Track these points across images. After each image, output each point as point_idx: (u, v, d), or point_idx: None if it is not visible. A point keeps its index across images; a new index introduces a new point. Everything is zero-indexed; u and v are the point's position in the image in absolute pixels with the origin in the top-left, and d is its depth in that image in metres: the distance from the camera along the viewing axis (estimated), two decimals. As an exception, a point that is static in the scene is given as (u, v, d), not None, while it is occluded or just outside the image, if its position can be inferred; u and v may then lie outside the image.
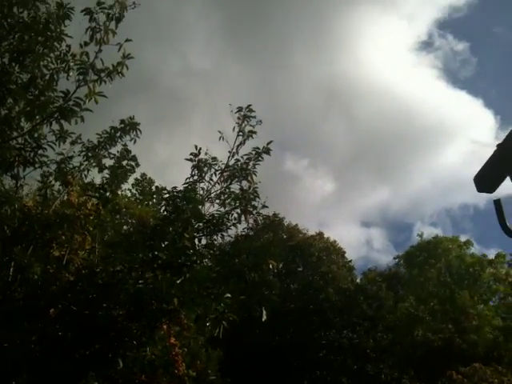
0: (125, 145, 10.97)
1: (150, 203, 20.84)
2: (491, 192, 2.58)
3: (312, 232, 35.25)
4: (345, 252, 36.20)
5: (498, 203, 2.54)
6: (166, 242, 7.77)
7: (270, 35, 68.58)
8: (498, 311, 29.99)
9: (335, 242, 35.54)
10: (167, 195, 8.60)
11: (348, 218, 66.32)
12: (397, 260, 36.87)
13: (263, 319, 8.73)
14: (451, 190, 64.24)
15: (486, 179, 2.55)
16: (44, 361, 8.61)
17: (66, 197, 12.54)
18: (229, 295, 7.84)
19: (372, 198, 67.01)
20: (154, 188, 26.07)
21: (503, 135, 2.52)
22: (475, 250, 33.41)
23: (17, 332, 9.19)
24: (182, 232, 7.54)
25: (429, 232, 37.43)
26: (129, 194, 22.49)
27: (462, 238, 33.15)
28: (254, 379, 29.07)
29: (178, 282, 7.31)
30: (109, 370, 8.56)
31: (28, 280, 10.82)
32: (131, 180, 18.15)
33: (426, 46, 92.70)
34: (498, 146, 2.47)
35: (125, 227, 14.87)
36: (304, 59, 69.04)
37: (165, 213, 8.35)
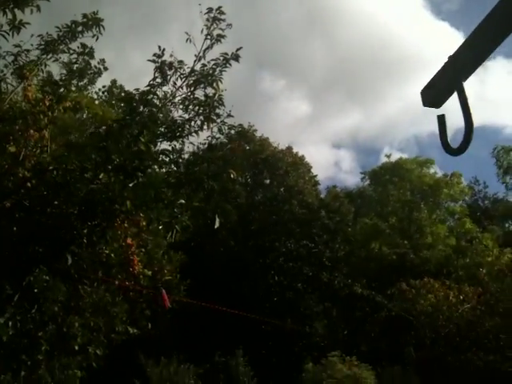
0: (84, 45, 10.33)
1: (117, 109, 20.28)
2: (437, 107, 2.43)
3: (282, 147, 35.24)
4: (311, 167, 36.54)
5: (441, 119, 2.41)
6: (120, 145, 7.53)
7: None
8: (453, 231, 31.26)
9: (303, 157, 35.73)
10: (125, 96, 8.25)
11: (319, 139, 67.05)
12: (362, 177, 37.56)
13: (215, 226, 8.78)
14: (422, 119, 64.42)
15: (433, 93, 2.39)
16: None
17: (21, 92, 12.03)
18: (182, 201, 7.78)
19: (344, 122, 67.34)
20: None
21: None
22: (438, 171, 34.32)
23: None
24: (137, 136, 7.30)
25: (397, 157, 37.94)
26: (95, 97, 21.71)
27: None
28: (215, 282, 30.11)
29: (131, 185, 7.17)
30: (57, 265, 8.59)
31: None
32: (100, 84, 17.43)
33: None
34: (449, 57, 2.30)
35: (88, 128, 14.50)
36: None
37: (122, 114, 8.05)
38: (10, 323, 8.23)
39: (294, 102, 64.07)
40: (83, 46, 10.35)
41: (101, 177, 8.04)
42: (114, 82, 26.47)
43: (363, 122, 67.09)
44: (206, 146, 11.90)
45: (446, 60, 2.28)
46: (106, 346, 16.78)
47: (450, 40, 63.84)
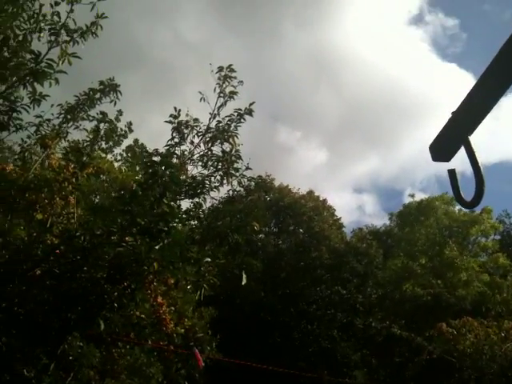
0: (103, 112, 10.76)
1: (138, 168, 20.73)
2: (447, 161, 2.47)
3: (303, 192, 35.35)
4: (335, 210, 36.44)
5: (452, 173, 2.44)
6: (144, 208, 7.69)
7: (260, 8, 68.04)
8: (486, 266, 30.49)
9: (325, 200, 35.72)
10: (146, 159, 8.49)
11: (340, 186, 67.88)
12: (389, 217, 37.27)
13: (243, 283, 8.78)
14: None
15: (441, 148, 2.43)
16: (27, 323, 8.65)
17: (45, 160, 12.42)
18: (208, 259, 7.84)
19: (363, 166, 68.52)
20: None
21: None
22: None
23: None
24: (160, 197, 7.46)
25: (420, 197, 37.86)
26: (119, 158, 22.24)
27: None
28: (246, 334, 29.67)
29: (157, 247, 7.28)
30: (90, 331, 8.63)
31: (9, 244, 10.79)
32: (123, 145, 17.93)
33: (417, 20, 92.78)
34: (453, 113, 2.35)
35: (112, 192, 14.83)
36: (294, 31, 68.74)
37: (144, 177, 8.27)
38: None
39: (311, 151, 65.34)
40: (102, 113, 10.72)
41: (127, 239, 8.16)
42: (136, 141, 27.10)
43: (382, 165, 67.92)
44: (226, 199, 12.07)
45: (450, 116, 2.33)
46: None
47: (459, 80, 65.02)
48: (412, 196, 36.12)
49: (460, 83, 67.39)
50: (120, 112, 11.97)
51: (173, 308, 14.37)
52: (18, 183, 10.91)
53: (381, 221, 38.43)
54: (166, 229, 7.28)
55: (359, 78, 70.55)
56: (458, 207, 32.28)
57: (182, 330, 13.49)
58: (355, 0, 72.46)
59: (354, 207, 65.56)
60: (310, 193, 35.14)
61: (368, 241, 33.50)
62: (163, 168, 7.50)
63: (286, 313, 31.23)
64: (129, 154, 26.79)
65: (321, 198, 35.40)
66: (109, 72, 11.35)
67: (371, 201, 78.50)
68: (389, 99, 68.77)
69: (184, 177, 8.96)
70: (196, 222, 10.08)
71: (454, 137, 2.30)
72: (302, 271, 32.55)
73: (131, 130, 13.29)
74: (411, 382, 26.43)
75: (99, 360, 10.02)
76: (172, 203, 7.75)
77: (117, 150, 18.74)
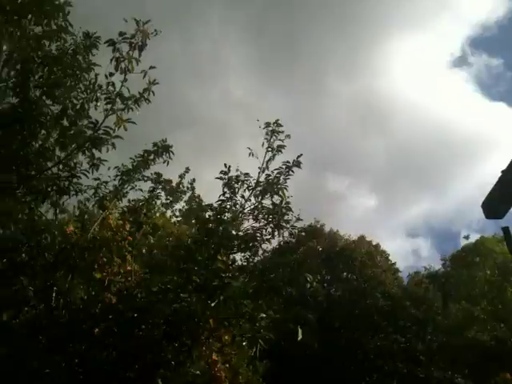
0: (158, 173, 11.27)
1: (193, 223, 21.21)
2: (500, 218, 2.50)
3: (354, 237, 34.90)
4: (389, 255, 35.68)
5: (506, 230, 2.47)
6: (199, 266, 7.86)
7: (305, 62, 70.36)
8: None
9: (378, 245, 35.07)
10: (199, 215, 8.73)
11: (393, 231, 67.17)
12: (443, 263, 36.20)
13: (298, 338, 8.71)
14: None
15: (493, 206, 2.47)
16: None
17: (103, 221, 12.90)
18: (263, 315, 7.86)
19: (415, 209, 67.96)
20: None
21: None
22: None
23: (61, 356, 9.42)
24: (214, 254, 7.62)
25: (474, 238, 36.74)
26: (177, 214, 22.77)
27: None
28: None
29: (212, 304, 7.38)
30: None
31: (70, 304, 11.11)
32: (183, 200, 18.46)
33: (460, 62, 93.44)
34: (503, 172, 2.40)
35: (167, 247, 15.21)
36: (339, 82, 70.25)
37: (199, 234, 8.48)
38: None
39: (361, 197, 65.08)
40: (157, 174, 11.14)
41: (182, 296, 8.31)
42: (193, 196, 27.71)
43: (435, 207, 67.01)
44: (277, 250, 12.12)
45: (500, 174, 2.38)
46: None
47: (508, 117, 64.08)
48: (466, 238, 35.05)
49: (509, 120, 66.60)
50: (187, 169, 12.36)
51: (227, 365, 14.25)
52: (77, 244, 11.36)
53: (437, 264, 37.29)
54: (220, 285, 7.39)
55: (407, 122, 70.86)
56: None
57: (237, 387, 13.31)
58: (399, 46, 73.37)
59: (408, 252, 64.31)
60: (362, 238, 34.64)
61: (425, 285, 32.50)
62: (217, 225, 7.69)
63: (343, 364, 30.35)
64: (186, 208, 27.41)
65: (373, 243, 34.79)
66: (162, 133, 11.97)
67: (426, 245, 76.68)
68: (438, 140, 68.62)
69: (235, 231, 9.11)
70: (248, 275, 10.16)
71: (505, 195, 2.35)
72: (357, 319, 31.72)
73: (193, 188, 13.67)
74: None
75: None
76: (224, 259, 7.88)
77: (177, 206, 19.17)
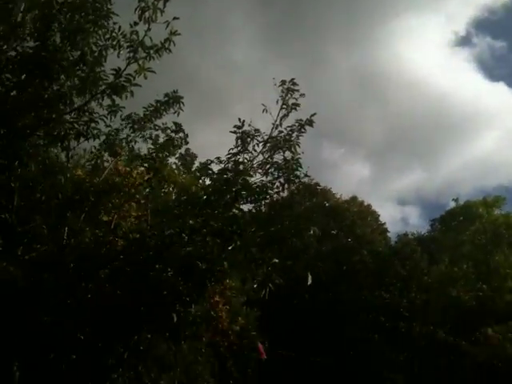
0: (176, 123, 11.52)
1: (192, 175, 21.61)
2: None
3: (346, 197, 35.57)
4: (379, 215, 36.50)
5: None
6: (216, 211, 8.33)
7: (308, 33, 69.38)
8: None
9: (369, 205, 35.80)
10: (219, 168, 9.09)
11: (384, 198, 68.68)
12: (431, 224, 37.02)
13: (308, 283, 9.32)
14: (486, 173, 66.06)
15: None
16: (103, 317, 9.36)
17: (114, 167, 13.27)
18: (276, 260, 8.41)
19: (407, 179, 69.41)
20: (196, 162, 27.15)
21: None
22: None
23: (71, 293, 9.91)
24: (232, 202, 8.07)
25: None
26: (173, 166, 23.32)
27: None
28: (289, 337, 30.13)
29: (230, 248, 7.90)
30: (163, 325, 9.35)
31: (80, 244, 11.60)
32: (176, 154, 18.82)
33: (464, 42, 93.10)
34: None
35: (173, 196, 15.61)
36: (340, 53, 69.97)
37: (215, 184, 8.87)
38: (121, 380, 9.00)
39: (354, 166, 66.07)
40: (176, 124, 11.42)
41: (197, 240, 8.81)
42: (187, 150, 28.11)
43: (427, 178, 68.53)
44: (284, 204, 12.59)
45: None
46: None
47: (507, 98, 64.60)
48: (456, 200, 35.67)
49: (507, 100, 67.30)
50: (177, 125, 12.63)
51: (227, 307, 15.07)
52: (90, 187, 11.76)
53: (425, 231, 38.43)
54: (237, 231, 7.89)
55: (405, 95, 71.30)
56: (501, 210, 31.86)
57: (238, 328, 14.14)
58: (404, 24, 72.65)
59: (397, 219, 66.02)
60: (354, 198, 35.30)
61: (412, 246, 33.48)
62: (235, 175, 8.11)
63: (329, 316, 31.49)
64: (182, 163, 28.02)
65: (365, 204, 35.49)
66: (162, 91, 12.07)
67: (415, 213, 78.88)
68: (434, 115, 69.31)
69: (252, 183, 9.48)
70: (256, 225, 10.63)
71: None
72: (344, 275, 32.74)
73: (187, 142, 13.95)
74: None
75: (164, 353, 10.71)
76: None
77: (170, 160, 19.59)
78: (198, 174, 20.60)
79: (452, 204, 35.84)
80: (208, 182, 9.61)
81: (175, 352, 15.08)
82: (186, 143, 13.59)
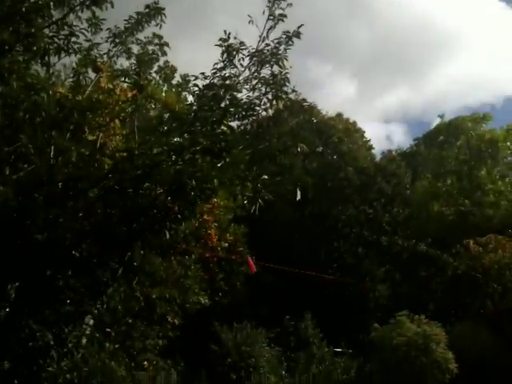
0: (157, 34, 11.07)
1: (173, 90, 21.01)
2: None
3: (332, 114, 35.28)
4: (364, 132, 36.49)
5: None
6: (204, 129, 8.23)
7: None
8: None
9: (355, 122, 35.66)
10: (205, 84, 8.85)
11: (369, 116, 67.99)
12: (416, 141, 37.12)
13: (297, 198, 9.42)
14: (471, 91, 65.58)
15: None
16: (96, 234, 9.47)
17: (96, 84, 12.89)
18: (265, 177, 8.44)
19: (392, 97, 69.23)
20: (176, 76, 26.18)
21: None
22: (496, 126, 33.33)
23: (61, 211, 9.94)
24: (220, 119, 7.95)
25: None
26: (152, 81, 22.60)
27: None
28: (275, 251, 30.96)
29: (219, 165, 7.88)
30: (155, 242, 9.52)
31: (67, 163, 11.49)
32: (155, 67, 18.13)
33: None
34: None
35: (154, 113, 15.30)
36: None
37: (202, 100, 8.68)
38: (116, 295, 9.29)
39: (340, 83, 65.03)
40: (156, 35, 11.00)
41: (186, 158, 8.76)
42: (166, 62, 27.09)
43: (411, 96, 68.56)
44: (272, 120, 12.43)
45: None
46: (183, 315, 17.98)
47: (494, 19, 62.79)
48: (441, 117, 35.57)
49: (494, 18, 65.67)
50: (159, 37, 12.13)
51: (216, 224, 15.34)
52: (71, 105, 11.46)
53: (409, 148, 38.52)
54: (226, 148, 7.84)
55: (393, 12, 68.91)
56: (487, 126, 31.96)
57: (226, 244, 14.47)
58: None
59: (382, 137, 66.20)
60: (339, 115, 35.06)
61: (397, 162, 33.79)
62: (223, 91, 7.93)
63: (314, 231, 32.23)
64: (160, 76, 27.00)
65: (350, 121, 35.33)
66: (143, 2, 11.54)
67: (400, 131, 79.17)
68: (420, 33, 67.75)
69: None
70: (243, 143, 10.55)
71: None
72: (329, 191, 33.17)
73: (164, 53, 13.39)
74: (435, 294, 27.59)
75: (158, 268, 10.99)
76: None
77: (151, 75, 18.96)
78: (180, 89, 20.15)
79: (437, 121, 35.86)
80: (191, 98, 9.42)
81: (166, 268, 15.51)
82: (165, 54, 13.09)
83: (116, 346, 16.40)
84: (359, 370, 21.87)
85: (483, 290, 23.85)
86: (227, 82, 9.23)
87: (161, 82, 25.74)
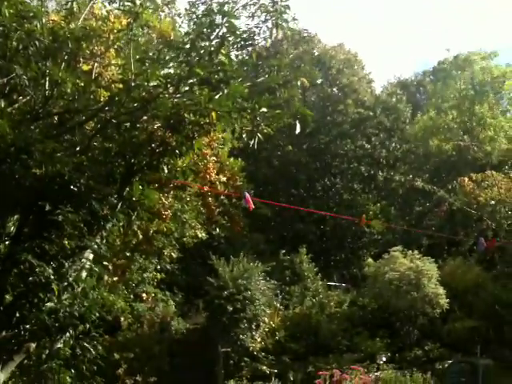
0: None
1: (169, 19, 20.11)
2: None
3: (333, 44, 34.22)
4: (364, 65, 35.60)
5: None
6: (201, 59, 7.92)
7: None
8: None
9: (356, 53, 34.70)
10: (203, 10, 8.44)
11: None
12: (419, 74, 36.22)
13: (297, 132, 9.21)
14: None
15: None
16: (93, 168, 9.33)
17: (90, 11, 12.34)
18: (265, 109, 8.21)
19: None
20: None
21: None
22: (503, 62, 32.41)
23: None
24: (218, 48, 7.64)
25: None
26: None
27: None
28: (272, 186, 31.09)
29: (217, 97, 7.64)
30: (154, 176, 9.43)
31: (63, 94, 11.18)
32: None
33: None
34: None
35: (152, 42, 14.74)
36: None
37: (199, 28, 8.29)
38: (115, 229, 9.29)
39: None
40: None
41: (183, 90, 8.49)
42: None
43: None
44: (272, 52, 12.04)
45: None
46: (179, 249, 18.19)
47: None
48: (448, 50, 34.47)
49: None
50: None
51: (214, 158, 15.17)
52: (64, 34, 11.01)
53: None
54: (224, 79, 7.58)
55: None
56: (495, 62, 31.08)
57: (224, 178, 14.37)
58: None
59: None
60: (341, 45, 34.01)
61: (398, 96, 33.18)
62: (221, 17, 7.56)
63: (311, 166, 32.18)
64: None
65: (352, 52, 34.31)
66: None
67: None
68: None
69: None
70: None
71: None
72: (328, 125, 32.79)
73: None
74: (430, 231, 27.93)
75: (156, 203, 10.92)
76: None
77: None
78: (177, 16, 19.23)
79: (445, 53, 34.71)
80: (186, 27, 9.00)
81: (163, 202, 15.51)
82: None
83: (115, 278, 16.72)
84: (352, 304, 22.40)
85: (477, 225, 24.08)
86: (225, 7, 8.78)
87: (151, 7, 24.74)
